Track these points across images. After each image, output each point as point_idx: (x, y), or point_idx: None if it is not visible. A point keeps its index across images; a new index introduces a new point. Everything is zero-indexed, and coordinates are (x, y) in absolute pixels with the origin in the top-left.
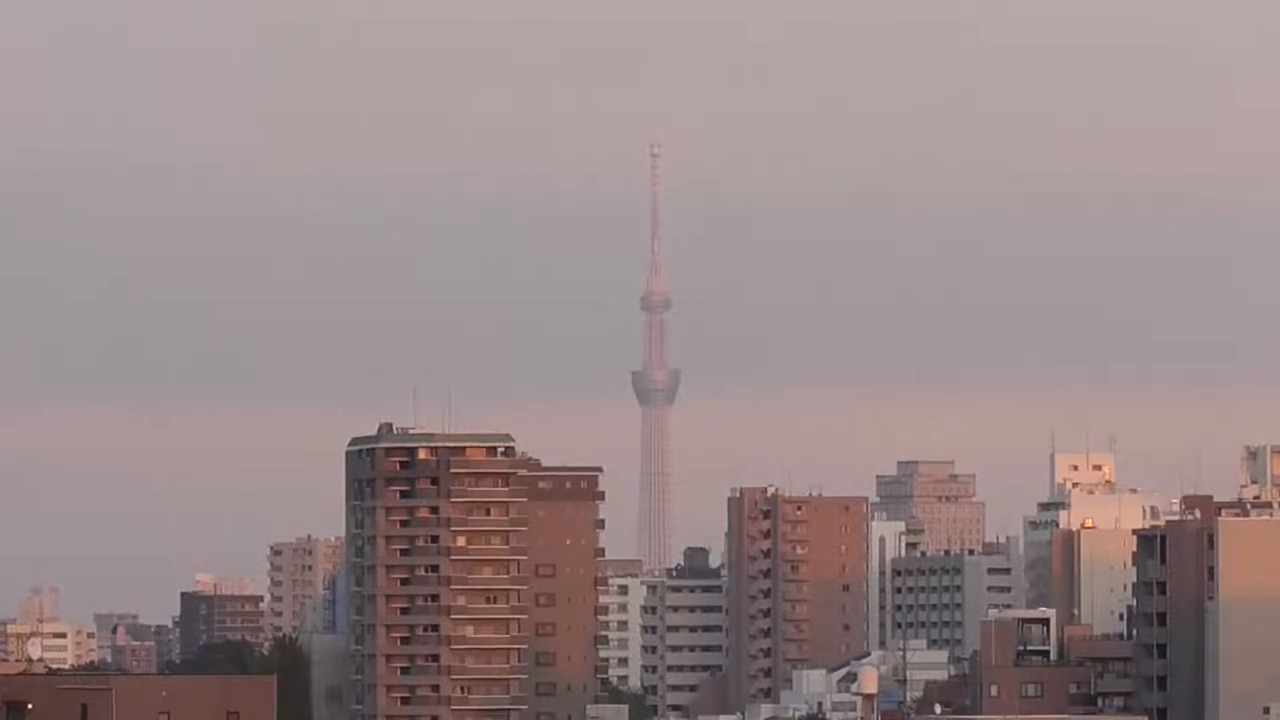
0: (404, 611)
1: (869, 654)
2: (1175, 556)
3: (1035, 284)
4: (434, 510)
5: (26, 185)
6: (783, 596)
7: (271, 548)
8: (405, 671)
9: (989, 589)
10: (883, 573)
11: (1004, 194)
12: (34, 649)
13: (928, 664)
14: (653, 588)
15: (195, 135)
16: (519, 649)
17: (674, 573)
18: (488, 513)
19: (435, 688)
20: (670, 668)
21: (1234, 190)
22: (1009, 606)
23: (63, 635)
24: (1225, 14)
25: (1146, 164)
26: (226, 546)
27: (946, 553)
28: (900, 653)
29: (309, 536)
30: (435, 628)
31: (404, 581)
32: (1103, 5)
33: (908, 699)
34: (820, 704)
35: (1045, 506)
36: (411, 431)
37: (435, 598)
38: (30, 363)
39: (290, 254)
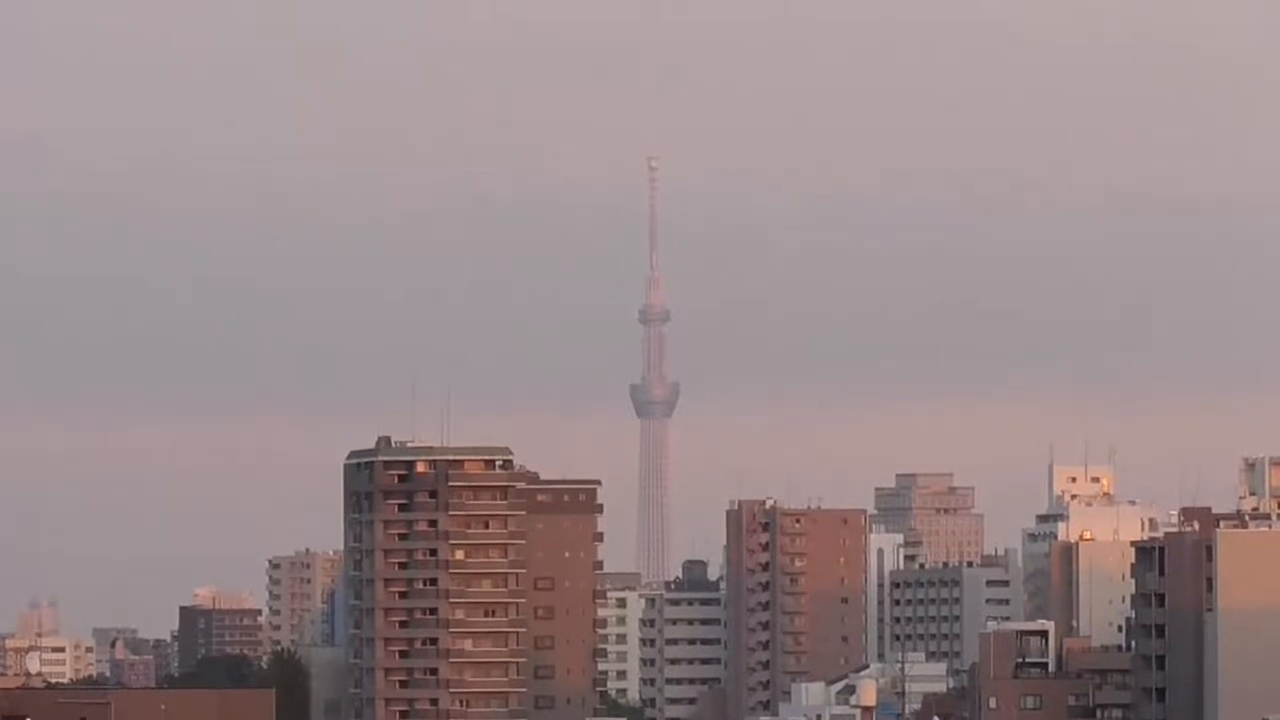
0: (403, 625)
1: (868, 666)
2: (1174, 568)
3: (1036, 291)
4: (432, 524)
5: (28, 186)
6: (781, 609)
7: (270, 561)
8: (404, 685)
9: (988, 601)
10: (881, 585)
11: (1006, 201)
12: (33, 663)
13: (926, 676)
14: (651, 600)
15: (195, 135)
16: (518, 662)
17: (673, 585)
18: (486, 526)
19: (434, 701)
20: (669, 680)
21: (1234, 190)
22: (1007, 618)
23: (61, 649)
24: (1227, 15)
25: (1147, 165)
26: (225, 560)
27: (945, 565)
28: (899, 665)
29: (307, 550)
30: (434, 641)
31: (403, 595)
32: (1108, 7)
33: (906, 711)
34: (819, 716)
35: (1044, 518)
36: (410, 445)
37: (434, 611)
38: (27, 374)
39: (290, 255)
